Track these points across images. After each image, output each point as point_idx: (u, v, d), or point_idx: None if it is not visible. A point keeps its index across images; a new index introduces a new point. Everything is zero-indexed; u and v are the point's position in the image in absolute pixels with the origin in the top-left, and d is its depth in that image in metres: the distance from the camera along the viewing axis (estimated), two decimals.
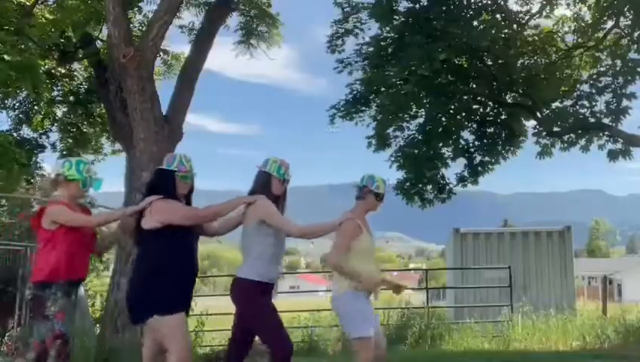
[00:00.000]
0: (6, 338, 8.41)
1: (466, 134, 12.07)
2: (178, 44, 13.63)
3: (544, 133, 11.63)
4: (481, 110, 12.02)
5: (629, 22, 10.67)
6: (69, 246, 4.09)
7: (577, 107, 11.30)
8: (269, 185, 4.18)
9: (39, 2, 11.32)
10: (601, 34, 11.34)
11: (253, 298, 4.06)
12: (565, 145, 11.74)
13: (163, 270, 3.90)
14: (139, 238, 4.09)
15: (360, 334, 4.07)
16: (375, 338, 4.13)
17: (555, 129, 11.48)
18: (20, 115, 13.22)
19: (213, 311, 10.31)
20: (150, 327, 3.95)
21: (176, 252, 3.97)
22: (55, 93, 13.46)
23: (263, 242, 4.09)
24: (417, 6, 11.11)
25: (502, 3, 11.28)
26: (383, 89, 11.12)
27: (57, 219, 4.09)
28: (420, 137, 11.62)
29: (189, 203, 4.18)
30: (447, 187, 11.78)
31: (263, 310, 4.08)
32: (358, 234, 4.21)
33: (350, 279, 4.13)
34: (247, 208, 4.15)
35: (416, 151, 11.43)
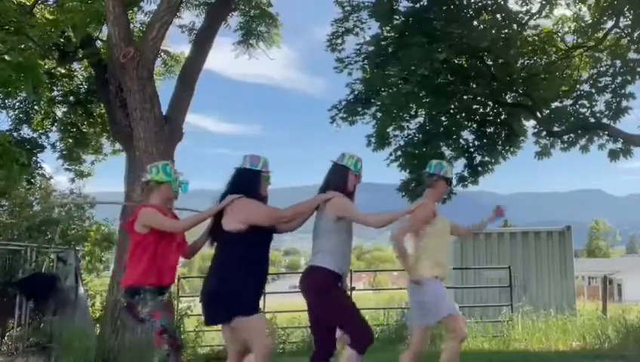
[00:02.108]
0: (6, 338, 8.41)
1: (466, 134, 12.06)
2: (178, 44, 13.65)
3: (544, 133, 11.62)
4: (481, 110, 12.01)
5: (629, 22, 10.66)
6: (158, 251, 4.13)
7: (577, 107, 11.30)
8: (345, 180, 4.27)
9: (39, 2, 11.32)
10: (601, 34, 11.33)
11: (327, 286, 4.11)
12: (565, 145, 11.74)
13: (246, 271, 3.90)
14: (218, 237, 4.09)
15: (448, 312, 4.34)
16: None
17: (555, 129, 11.48)
18: (20, 115, 13.22)
19: None
20: (233, 327, 3.93)
21: (257, 254, 4.00)
22: (55, 93, 13.47)
23: (336, 238, 4.18)
24: (417, 6, 11.10)
25: (502, 3, 11.27)
26: (383, 89, 11.12)
27: (148, 223, 4.12)
28: (419, 137, 11.61)
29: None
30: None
31: (339, 298, 4.15)
32: (432, 219, 4.44)
33: (402, 260, 4.47)
34: (322, 205, 4.21)
35: (416, 151, 11.42)
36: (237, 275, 3.89)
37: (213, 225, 4.11)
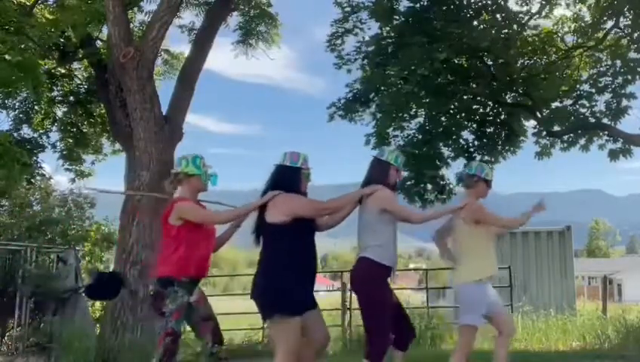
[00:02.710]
0: (6, 338, 8.41)
1: (466, 134, 12.04)
2: (178, 44, 13.64)
3: (544, 133, 11.61)
4: (481, 110, 11.99)
5: (629, 22, 10.65)
6: (192, 244, 4.14)
7: (577, 107, 11.29)
8: (386, 174, 4.34)
9: (39, 2, 11.32)
10: (601, 34, 11.32)
11: (375, 279, 4.17)
12: (565, 145, 11.73)
13: (290, 264, 3.92)
14: (261, 233, 4.11)
15: (468, 322, 4.41)
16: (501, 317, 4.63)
17: (555, 129, 11.47)
18: (20, 115, 13.22)
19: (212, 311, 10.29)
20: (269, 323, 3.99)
21: (301, 249, 4.01)
22: (55, 93, 13.48)
23: (384, 230, 4.22)
24: (417, 6, 11.10)
25: (502, 3, 11.26)
26: (382, 88, 11.11)
27: (185, 216, 4.12)
28: (419, 137, 11.60)
29: None
30: (448, 187, 11.76)
31: (384, 297, 4.19)
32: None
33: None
34: (365, 199, 4.25)
35: (417, 151, 11.41)
36: (280, 268, 3.91)
37: (257, 223, 4.13)
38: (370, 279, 4.18)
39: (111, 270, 8.42)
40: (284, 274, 3.88)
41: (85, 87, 13.40)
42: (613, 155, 10.93)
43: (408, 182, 11.42)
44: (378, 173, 4.35)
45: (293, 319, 3.85)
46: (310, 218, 4.07)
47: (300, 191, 4.11)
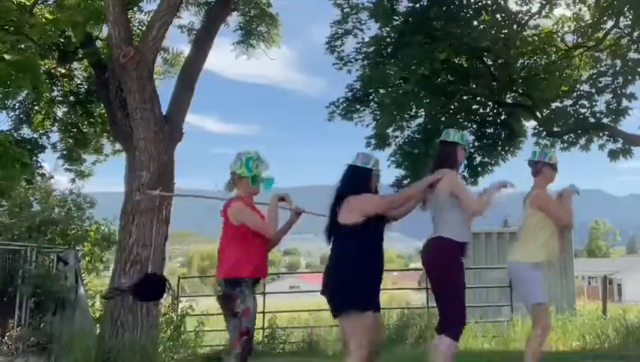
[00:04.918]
0: (6, 338, 8.41)
1: (466, 134, 12.03)
2: (178, 44, 13.62)
3: (544, 134, 11.62)
4: (481, 110, 12.01)
5: (629, 22, 10.67)
6: (253, 243, 4.17)
7: (577, 107, 11.31)
8: (454, 155, 4.40)
9: (39, 2, 11.31)
10: (601, 34, 11.34)
11: (452, 257, 4.22)
12: (565, 145, 11.74)
13: (361, 267, 4.03)
14: (334, 231, 4.23)
15: (538, 300, 4.50)
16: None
17: (555, 129, 11.48)
18: (20, 115, 13.22)
19: (213, 311, 10.30)
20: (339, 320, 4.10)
21: (371, 249, 4.13)
22: (55, 93, 13.46)
23: (456, 210, 4.26)
24: (417, 6, 11.10)
25: (502, 3, 11.28)
26: (382, 87, 11.12)
27: (239, 218, 4.16)
28: (419, 137, 11.60)
29: None
30: None
31: (458, 274, 4.24)
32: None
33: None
34: (436, 184, 4.30)
35: (416, 150, 11.41)
36: (353, 266, 4.03)
37: (329, 222, 4.24)
38: (448, 259, 4.21)
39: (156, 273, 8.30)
40: (358, 271, 4.01)
41: (85, 87, 13.38)
42: (613, 155, 10.94)
43: (405, 182, 11.43)
44: (447, 155, 4.41)
45: (366, 314, 3.96)
46: (381, 215, 4.17)
47: (370, 191, 4.24)
